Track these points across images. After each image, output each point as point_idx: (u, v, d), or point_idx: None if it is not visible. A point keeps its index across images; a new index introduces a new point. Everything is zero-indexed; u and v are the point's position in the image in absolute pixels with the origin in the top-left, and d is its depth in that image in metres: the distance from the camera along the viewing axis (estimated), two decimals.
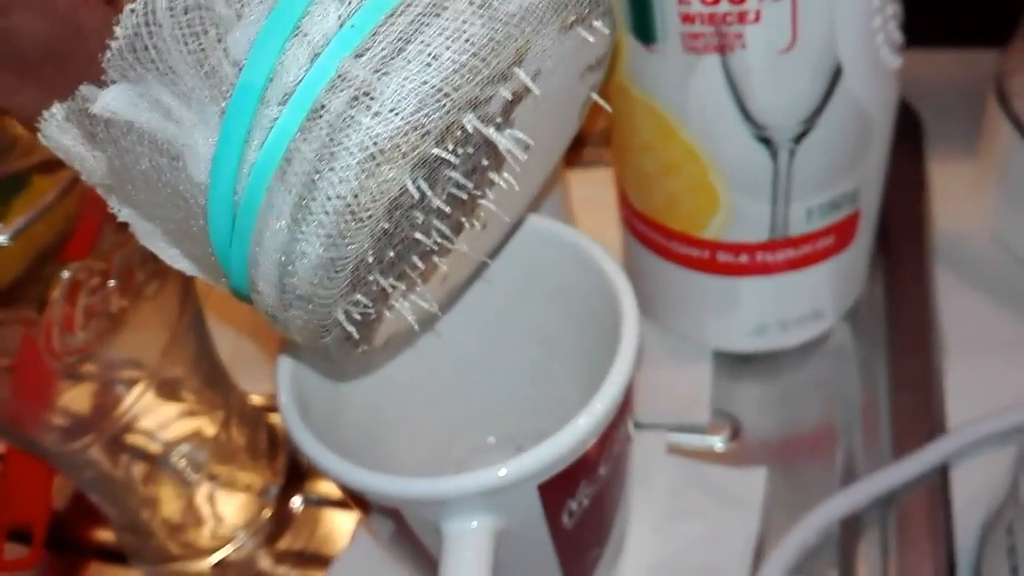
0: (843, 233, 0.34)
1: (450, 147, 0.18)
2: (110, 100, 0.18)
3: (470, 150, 0.19)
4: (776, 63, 0.28)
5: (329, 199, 0.17)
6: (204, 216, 0.18)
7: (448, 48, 0.17)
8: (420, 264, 0.20)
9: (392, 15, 0.16)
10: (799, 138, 0.30)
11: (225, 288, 0.21)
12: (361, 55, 0.16)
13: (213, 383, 0.37)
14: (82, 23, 0.18)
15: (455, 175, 0.19)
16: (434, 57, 0.17)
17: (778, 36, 0.28)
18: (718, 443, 0.37)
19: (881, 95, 0.31)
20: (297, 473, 0.40)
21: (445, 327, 0.31)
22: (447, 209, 0.19)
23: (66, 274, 0.28)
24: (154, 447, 0.36)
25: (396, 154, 0.17)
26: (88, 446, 0.34)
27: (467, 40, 0.17)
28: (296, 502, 0.39)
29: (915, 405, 0.36)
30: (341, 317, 0.19)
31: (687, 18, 0.28)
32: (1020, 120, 0.38)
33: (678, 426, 0.37)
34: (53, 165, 0.26)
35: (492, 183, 0.21)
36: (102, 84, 0.18)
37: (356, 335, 0.20)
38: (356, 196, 0.17)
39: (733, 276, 0.35)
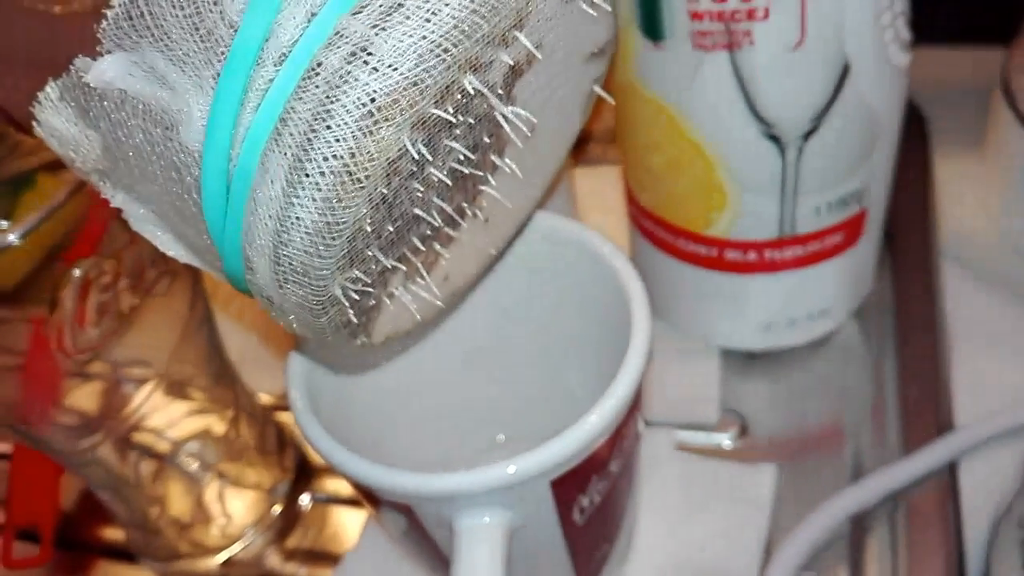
0: (851, 231, 0.34)
1: (450, 109, 0.17)
2: (105, 68, 0.17)
3: (471, 120, 0.18)
4: (785, 60, 0.28)
5: (325, 159, 0.16)
6: (198, 189, 0.18)
7: (447, 4, 0.16)
8: (421, 246, 0.20)
9: None
10: (807, 136, 0.30)
11: (219, 273, 0.20)
12: (359, 12, 0.16)
13: (222, 381, 0.37)
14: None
15: (456, 145, 0.18)
16: (433, 13, 0.16)
17: (787, 33, 0.28)
18: (726, 440, 0.37)
19: (889, 92, 0.31)
20: (306, 471, 0.40)
21: (455, 325, 0.31)
22: (448, 183, 0.19)
23: (77, 271, 0.28)
24: (163, 445, 0.36)
25: (395, 111, 0.16)
26: (97, 444, 0.34)
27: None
28: (305, 500, 0.39)
29: (923, 401, 0.36)
30: (338, 293, 0.18)
31: (696, 15, 0.28)
32: None
33: (686, 424, 0.37)
34: (58, 165, 0.26)
35: (495, 167, 0.21)
36: (96, 56, 0.18)
37: (355, 320, 0.19)
38: (353, 156, 0.16)
39: (741, 274, 0.35)
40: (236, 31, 0.16)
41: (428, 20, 0.16)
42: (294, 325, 0.20)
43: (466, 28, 0.16)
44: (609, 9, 0.21)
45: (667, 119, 0.31)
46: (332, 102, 0.16)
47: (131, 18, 0.17)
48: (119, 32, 0.17)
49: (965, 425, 0.35)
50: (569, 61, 0.21)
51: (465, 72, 0.17)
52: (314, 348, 0.27)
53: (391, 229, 0.19)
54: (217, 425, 0.37)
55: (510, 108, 0.19)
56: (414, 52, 0.16)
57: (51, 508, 0.39)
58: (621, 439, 0.25)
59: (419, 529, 0.25)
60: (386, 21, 0.16)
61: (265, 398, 0.41)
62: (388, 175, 0.17)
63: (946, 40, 0.49)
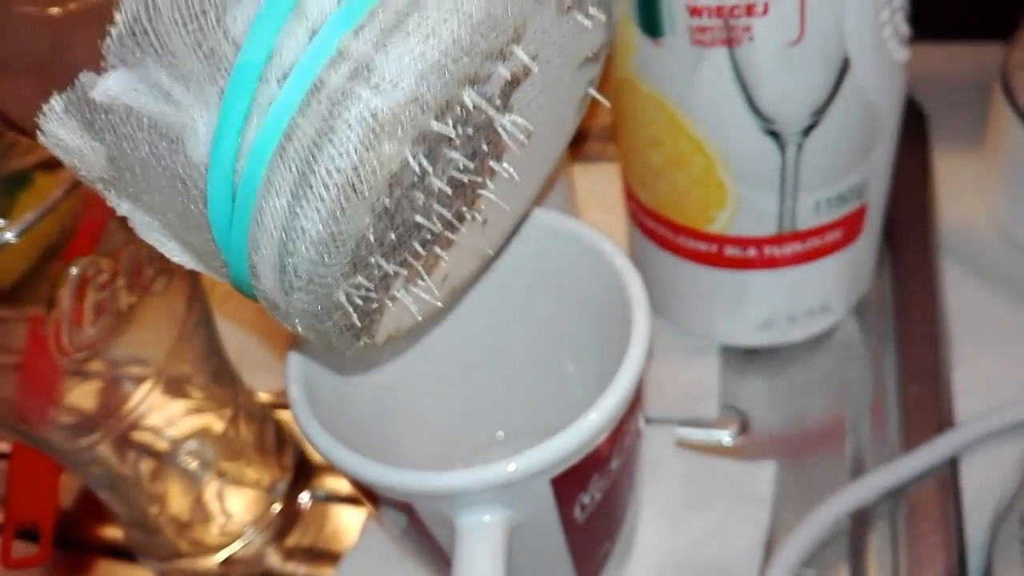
0: (851, 227, 0.34)
1: (450, 123, 0.18)
2: (110, 84, 0.18)
3: (470, 131, 0.19)
4: (784, 56, 0.28)
5: (329, 173, 0.17)
6: (204, 200, 0.18)
7: (446, 22, 0.17)
8: (422, 251, 0.20)
9: None
10: (807, 131, 0.30)
11: (225, 279, 0.21)
12: (360, 31, 0.16)
13: (220, 380, 0.37)
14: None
15: (455, 155, 0.19)
16: (433, 31, 0.17)
17: (786, 29, 0.28)
18: (726, 437, 0.37)
19: (889, 88, 0.31)
20: (305, 469, 0.40)
21: (453, 323, 0.31)
22: (448, 191, 0.19)
23: (75, 270, 0.28)
24: (162, 444, 0.36)
25: (396, 127, 0.17)
26: (96, 443, 0.34)
27: (465, 15, 0.17)
28: (304, 498, 0.39)
29: (924, 397, 0.36)
30: (343, 299, 0.19)
31: (695, 11, 0.28)
32: None
33: (686, 420, 0.37)
34: (55, 164, 0.26)
35: (493, 172, 0.21)
36: (101, 71, 0.18)
37: (358, 323, 0.20)
38: (356, 169, 0.17)
39: (740, 270, 0.35)
40: (239, 49, 0.17)
41: (428, 38, 0.16)
42: (299, 328, 0.20)
43: (465, 45, 0.17)
44: (604, 20, 0.22)
45: (666, 116, 0.31)
46: (335, 118, 0.16)
47: (134, 35, 0.17)
48: (123, 49, 0.18)
49: (966, 421, 0.35)
50: (565, 68, 0.22)
51: (464, 87, 0.17)
52: (314, 348, 0.27)
53: (393, 236, 0.19)
54: (216, 423, 0.37)
55: (508, 118, 0.19)
56: (415, 69, 0.16)
57: (50, 507, 0.39)
58: (622, 436, 0.24)
59: (419, 527, 0.24)
60: (387, 40, 0.16)
61: (264, 396, 0.41)
62: (390, 186, 0.17)
63: (946, 36, 0.49)
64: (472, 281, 0.28)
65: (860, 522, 0.34)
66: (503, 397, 0.34)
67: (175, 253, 0.21)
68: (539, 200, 0.29)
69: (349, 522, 0.38)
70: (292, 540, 0.38)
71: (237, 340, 0.41)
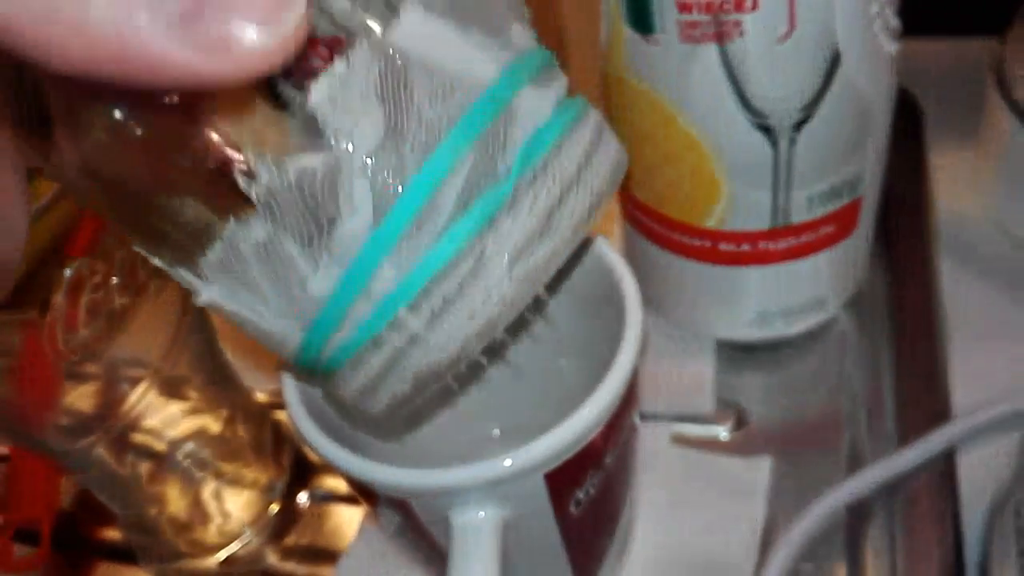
0: (844, 221, 0.34)
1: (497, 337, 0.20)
2: (214, 295, 0.19)
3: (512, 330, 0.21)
4: (774, 51, 0.28)
5: (406, 375, 0.20)
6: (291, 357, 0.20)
7: (484, 304, 0.19)
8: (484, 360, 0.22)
9: (439, 278, 0.18)
10: (799, 125, 0.30)
11: (268, 339, 0.22)
12: (414, 308, 0.19)
13: (217, 380, 0.37)
14: None
15: (506, 336, 0.21)
16: (473, 313, 0.19)
17: (776, 23, 0.28)
18: (723, 432, 0.37)
19: (879, 81, 0.31)
20: (303, 469, 0.40)
21: None
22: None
23: (68, 272, 0.28)
24: (159, 445, 0.36)
25: (448, 370, 0.20)
26: (93, 445, 0.34)
27: (500, 299, 0.19)
28: (302, 498, 0.39)
29: (920, 391, 0.36)
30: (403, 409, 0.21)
31: (684, 7, 0.28)
32: (1020, 106, 0.38)
33: (682, 416, 0.37)
34: None
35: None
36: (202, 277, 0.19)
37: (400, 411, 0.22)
38: (416, 389, 0.20)
39: (735, 265, 0.35)
40: (318, 309, 0.19)
41: (471, 319, 0.19)
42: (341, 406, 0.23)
43: (500, 320, 0.19)
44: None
45: (658, 112, 0.31)
46: (390, 367, 0.20)
47: (227, 270, 0.19)
48: (217, 274, 0.19)
49: (962, 414, 0.35)
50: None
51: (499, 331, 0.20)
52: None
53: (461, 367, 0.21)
54: (213, 424, 0.37)
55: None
56: (458, 341, 0.19)
57: (49, 508, 0.39)
58: (616, 432, 0.25)
59: (415, 524, 0.25)
60: (437, 319, 0.19)
61: (261, 396, 0.41)
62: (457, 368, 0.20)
63: (940, 30, 0.49)
64: None
65: (857, 516, 0.34)
66: (498, 394, 0.34)
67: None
68: None
69: (347, 521, 0.38)
70: (290, 540, 0.38)
71: (234, 341, 0.41)
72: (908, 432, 0.35)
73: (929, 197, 0.44)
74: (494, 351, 0.24)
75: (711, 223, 0.34)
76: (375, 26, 0.17)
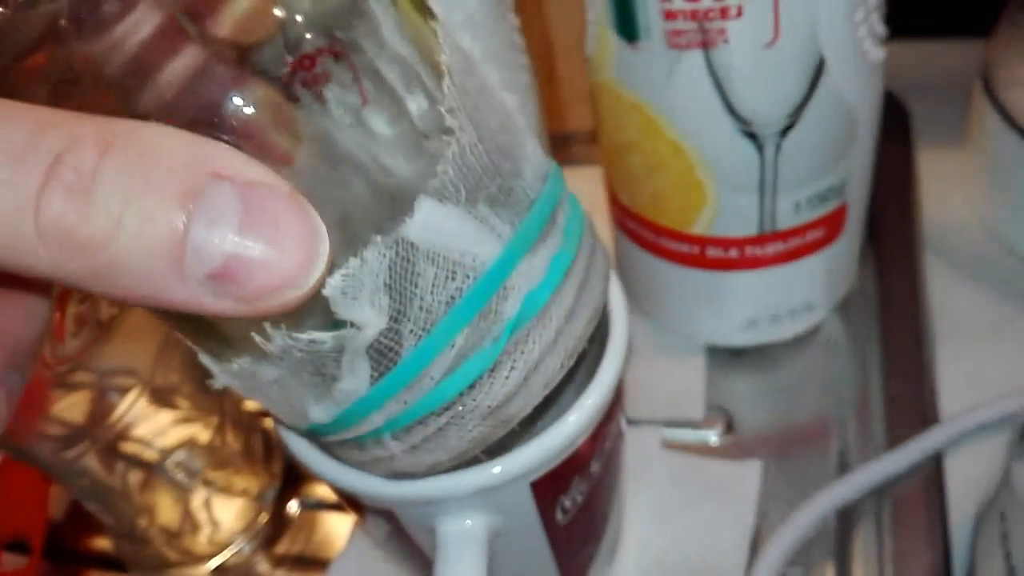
0: (832, 225, 0.34)
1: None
2: (230, 382, 0.20)
3: None
4: (759, 58, 0.28)
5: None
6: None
7: (458, 441, 0.20)
8: None
9: (419, 422, 0.20)
10: (784, 132, 0.30)
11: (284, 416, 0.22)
12: (396, 438, 0.20)
13: (207, 389, 0.37)
14: None
15: None
16: (448, 448, 0.20)
17: (760, 31, 0.28)
18: (712, 437, 0.37)
19: (865, 88, 0.31)
20: (293, 477, 0.40)
21: None
22: None
23: None
24: (149, 454, 0.36)
25: (417, 474, 0.22)
26: (83, 454, 0.34)
27: (472, 439, 0.20)
28: (293, 506, 0.39)
29: (908, 395, 0.37)
30: None
31: (669, 15, 0.28)
32: (1006, 109, 0.38)
33: (672, 421, 0.37)
34: None
35: None
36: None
37: None
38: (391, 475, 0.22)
39: (723, 271, 0.35)
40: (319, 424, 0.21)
41: (445, 450, 0.21)
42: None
43: (476, 447, 0.21)
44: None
45: (645, 119, 0.31)
46: (379, 462, 0.21)
47: (242, 379, 0.20)
48: (233, 378, 0.20)
49: (950, 418, 0.35)
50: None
51: None
52: None
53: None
54: (203, 433, 0.37)
55: None
56: (432, 460, 0.21)
57: (40, 519, 0.39)
58: (602, 439, 0.25)
59: (402, 533, 0.25)
60: (415, 448, 0.21)
61: (251, 405, 0.41)
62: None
63: (927, 33, 0.49)
64: None
65: (846, 520, 0.34)
66: None
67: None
68: None
69: (338, 529, 0.38)
70: (281, 548, 0.38)
71: None
72: (896, 436, 0.35)
73: (916, 200, 0.44)
74: None
75: (698, 229, 0.34)
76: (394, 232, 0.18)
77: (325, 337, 0.18)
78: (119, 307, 0.31)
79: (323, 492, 0.39)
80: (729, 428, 0.37)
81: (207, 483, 0.37)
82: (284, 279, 0.14)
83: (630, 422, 0.34)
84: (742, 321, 0.37)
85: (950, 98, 0.46)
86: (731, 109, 0.30)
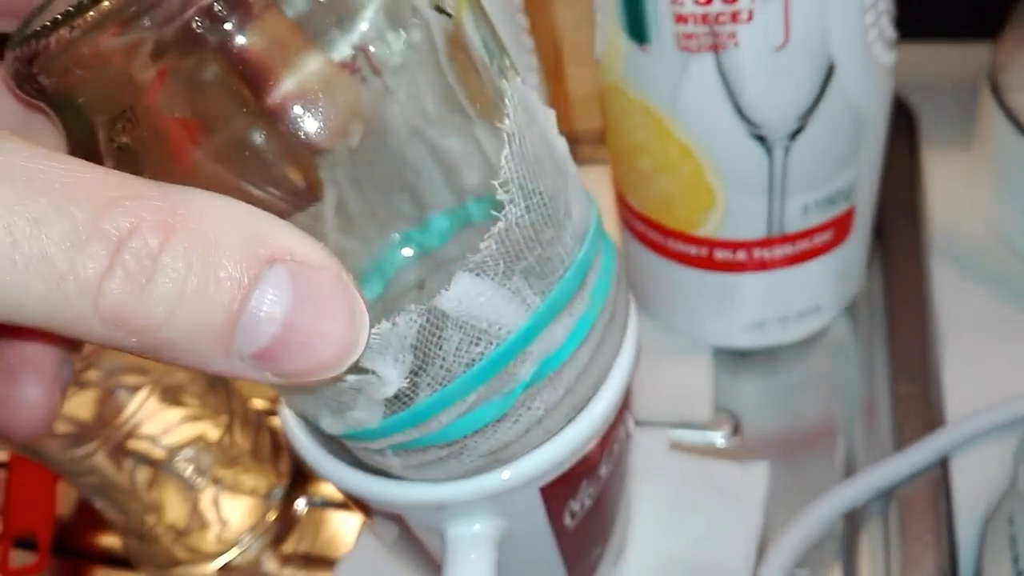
0: (840, 228, 0.34)
1: None
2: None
3: None
4: (769, 61, 0.28)
5: None
6: None
7: (455, 469, 0.21)
8: None
9: (421, 449, 0.21)
10: (794, 135, 0.30)
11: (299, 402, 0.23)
12: (398, 454, 0.21)
13: (216, 387, 0.37)
14: None
15: None
16: (446, 473, 0.22)
17: (771, 34, 0.28)
18: (719, 439, 0.37)
19: (875, 91, 0.31)
20: (301, 476, 0.40)
21: None
22: None
23: None
24: (158, 452, 0.36)
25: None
26: (92, 453, 0.34)
27: (466, 470, 0.21)
28: (300, 504, 0.39)
29: (915, 397, 0.37)
30: None
31: (680, 18, 0.28)
32: (1014, 112, 0.38)
33: (679, 423, 0.37)
34: None
35: None
36: None
37: None
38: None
39: (731, 273, 0.35)
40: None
41: (444, 473, 0.22)
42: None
43: (472, 474, 0.22)
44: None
45: (654, 121, 0.31)
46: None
47: None
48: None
49: (957, 420, 0.35)
50: None
51: None
52: None
53: None
54: (212, 431, 0.37)
55: None
56: (431, 477, 0.22)
57: (48, 516, 0.39)
58: (610, 442, 0.25)
59: (411, 536, 0.25)
60: (415, 468, 0.22)
61: (259, 403, 0.42)
62: None
63: (934, 36, 0.49)
64: None
65: (852, 522, 0.34)
66: None
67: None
68: None
69: (345, 528, 0.38)
70: (289, 546, 0.38)
71: None
72: (903, 438, 0.35)
73: (923, 203, 0.44)
74: None
75: (707, 231, 0.34)
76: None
77: (347, 378, 0.18)
78: None
79: (331, 491, 0.39)
80: (736, 430, 0.37)
81: (215, 481, 0.37)
82: (322, 364, 0.14)
83: (637, 423, 0.34)
84: (749, 323, 0.37)
85: (957, 101, 0.46)
86: (741, 112, 0.30)
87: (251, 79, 0.16)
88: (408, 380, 0.19)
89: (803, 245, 0.34)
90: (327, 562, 0.37)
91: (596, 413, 0.23)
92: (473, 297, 0.18)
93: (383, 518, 0.24)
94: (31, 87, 0.16)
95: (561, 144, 0.21)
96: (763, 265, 0.35)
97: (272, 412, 0.41)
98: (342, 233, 0.22)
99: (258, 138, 0.17)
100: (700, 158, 0.31)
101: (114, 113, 0.16)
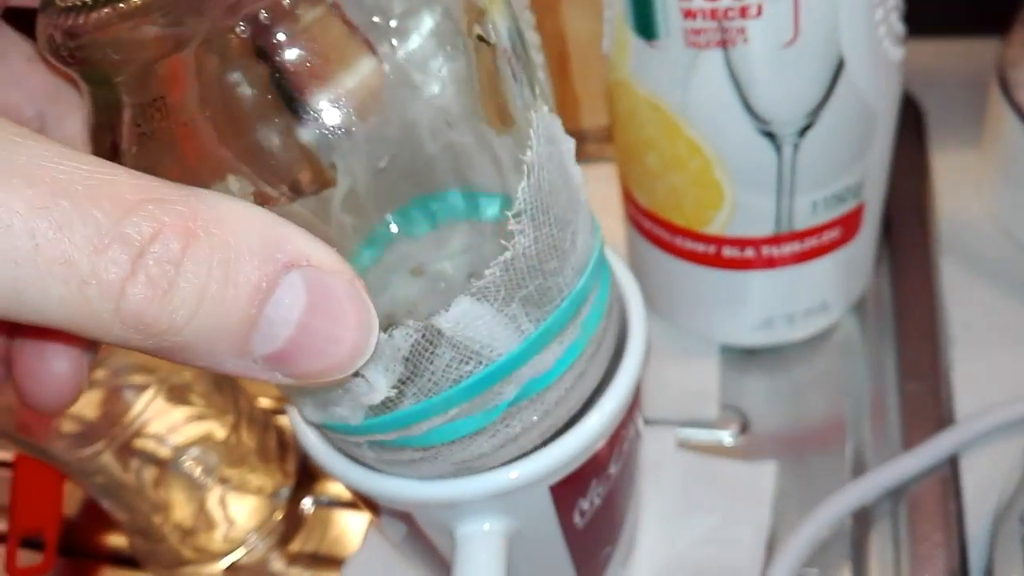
0: (848, 225, 0.34)
1: None
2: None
3: None
4: (778, 57, 0.28)
5: None
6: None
7: (430, 471, 0.22)
8: None
9: (400, 448, 0.21)
10: (803, 132, 0.30)
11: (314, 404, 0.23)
12: (373, 447, 0.22)
13: (222, 387, 0.37)
14: None
15: None
16: (420, 475, 0.22)
17: (780, 30, 0.28)
18: (727, 437, 0.37)
19: (884, 87, 0.31)
20: (308, 475, 0.40)
21: None
22: None
23: None
24: (164, 452, 0.36)
25: None
26: (99, 452, 0.34)
27: (442, 472, 0.22)
28: (307, 504, 0.39)
29: (924, 395, 0.36)
30: None
31: (689, 14, 0.28)
32: (1023, 109, 0.38)
33: (687, 421, 0.37)
34: None
35: None
36: None
37: None
38: None
39: (739, 270, 0.35)
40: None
41: (416, 476, 0.22)
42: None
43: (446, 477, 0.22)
44: None
45: (662, 117, 0.31)
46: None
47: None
48: None
49: (966, 419, 0.35)
50: None
51: None
52: None
53: None
54: (218, 430, 0.37)
55: None
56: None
57: (54, 515, 0.39)
58: (620, 441, 0.24)
59: (419, 535, 0.25)
60: (389, 465, 0.22)
61: (265, 402, 0.41)
62: None
63: (942, 32, 0.49)
64: None
65: (861, 521, 0.34)
66: None
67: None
68: None
69: (352, 527, 0.38)
70: (295, 546, 0.38)
71: None
72: (912, 437, 0.35)
73: (932, 200, 0.44)
74: None
75: (715, 228, 0.34)
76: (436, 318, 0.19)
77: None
78: None
79: (337, 490, 0.39)
80: (744, 428, 0.37)
81: (222, 480, 0.37)
82: (332, 366, 0.15)
83: (645, 422, 0.34)
84: (757, 321, 0.37)
85: (965, 97, 0.46)
86: (750, 108, 0.30)
87: (287, 86, 0.16)
88: (396, 389, 0.19)
89: (811, 242, 0.34)
90: (334, 561, 0.37)
91: (605, 411, 0.23)
92: (471, 320, 0.19)
93: (391, 517, 0.24)
94: (63, 57, 0.16)
95: (577, 172, 0.21)
96: (771, 263, 0.35)
97: (279, 411, 0.41)
98: (344, 212, 0.22)
99: (285, 144, 0.17)
100: (708, 155, 0.31)
101: (144, 99, 0.16)
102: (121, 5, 0.15)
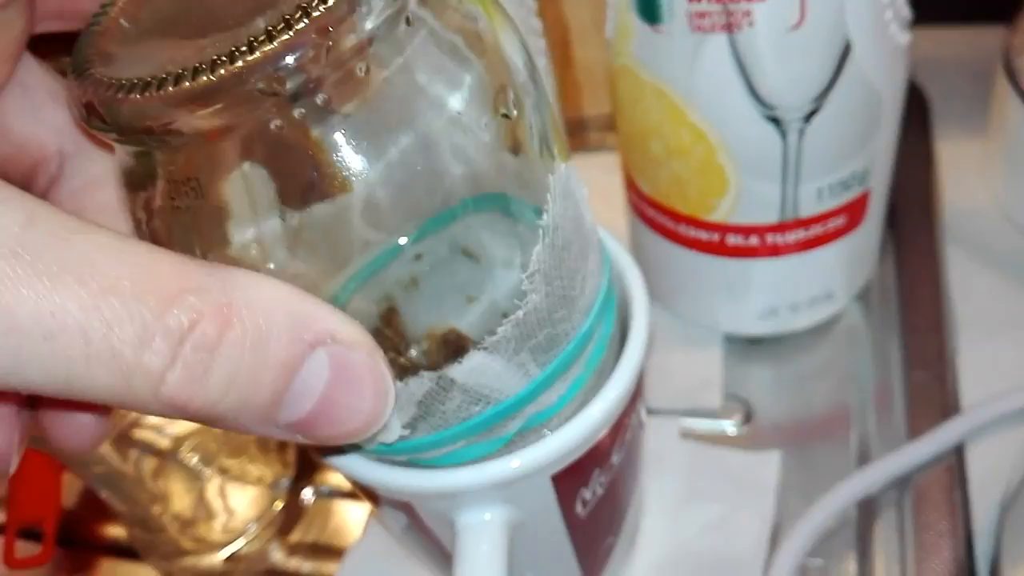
0: (853, 213, 0.34)
1: None
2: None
3: None
4: (784, 41, 0.28)
5: None
6: None
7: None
8: None
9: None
10: (808, 117, 0.30)
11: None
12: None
13: None
14: None
15: None
16: None
17: (786, 13, 0.27)
18: (731, 427, 0.37)
19: (890, 72, 0.31)
20: (308, 465, 0.40)
21: None
22: None
23: None
24: (163, 442, 0.36)
25: None
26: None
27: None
28: (307, 494, 0.39)
29: (929, 384, 0.36)
30: None
31: None
32: None
33: (690, 411, 0.37)
34: None
35: None
36: None
37: None
38: None
39: (743, 259, 0.35)
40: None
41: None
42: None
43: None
44: None
45: (666, 103, 0.31)
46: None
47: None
48: None
49: (971, 407, 0.34)
50: None
51: None
52: None
53: None
54: None
55: None
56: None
57: (53, 506, 0.39)
58: (623, 430, 0.24)
59: (420, 525, 0.24)
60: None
61: None
62: None
63: (948, 19, 0.48)
64: None
65: (867, 510, 0.33)
66: None
67: None
68: None
69: (352, 518, 0.38)
70: (295, 536, 0.38)
71: None
72: (917, 426, 0.35)
73: (937, 188, 0.43)
74: None
75: (719, 216, 0.33)
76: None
77: None
78: None
79: (337, 480, 0.39)
80: (748, 418, 0.37)
81: (221, 471, 0.37)
82: (350, 432, 0.17)
83: (648, 412, 0.34)
84: (761, 310, 0.37)
85: (971, 85, 0.46)
86: (755, 93, 0.29)
87: (324, 173, 0.16)
88: (408, 428, 0.20)
89: (817, 230, 0.34)
90: (335, 552, 0.37)
91: (608, 401, 0.22)
92: (483, 370, 0.20)
93: (392, 507, 0.24)
94: (98, 126, 0.16)
95: (589, 216, 0.21)
96: (776, 251, 0.34)
97: None
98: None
99: (320, 228, 0.17)
100: (713, 141, 0.31)
101: (179, 178, 0.16)
102: (170, 89, 0.14)
